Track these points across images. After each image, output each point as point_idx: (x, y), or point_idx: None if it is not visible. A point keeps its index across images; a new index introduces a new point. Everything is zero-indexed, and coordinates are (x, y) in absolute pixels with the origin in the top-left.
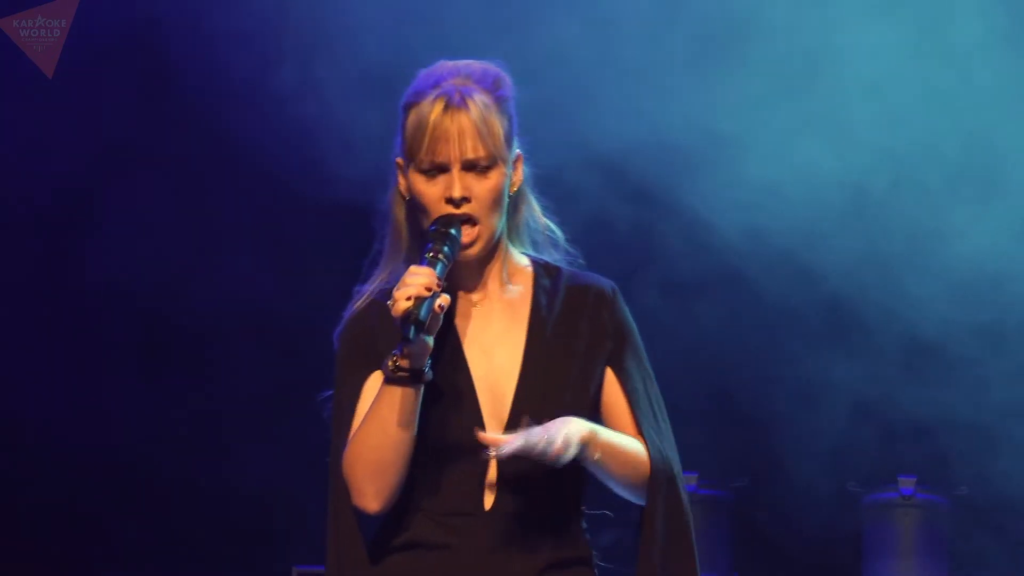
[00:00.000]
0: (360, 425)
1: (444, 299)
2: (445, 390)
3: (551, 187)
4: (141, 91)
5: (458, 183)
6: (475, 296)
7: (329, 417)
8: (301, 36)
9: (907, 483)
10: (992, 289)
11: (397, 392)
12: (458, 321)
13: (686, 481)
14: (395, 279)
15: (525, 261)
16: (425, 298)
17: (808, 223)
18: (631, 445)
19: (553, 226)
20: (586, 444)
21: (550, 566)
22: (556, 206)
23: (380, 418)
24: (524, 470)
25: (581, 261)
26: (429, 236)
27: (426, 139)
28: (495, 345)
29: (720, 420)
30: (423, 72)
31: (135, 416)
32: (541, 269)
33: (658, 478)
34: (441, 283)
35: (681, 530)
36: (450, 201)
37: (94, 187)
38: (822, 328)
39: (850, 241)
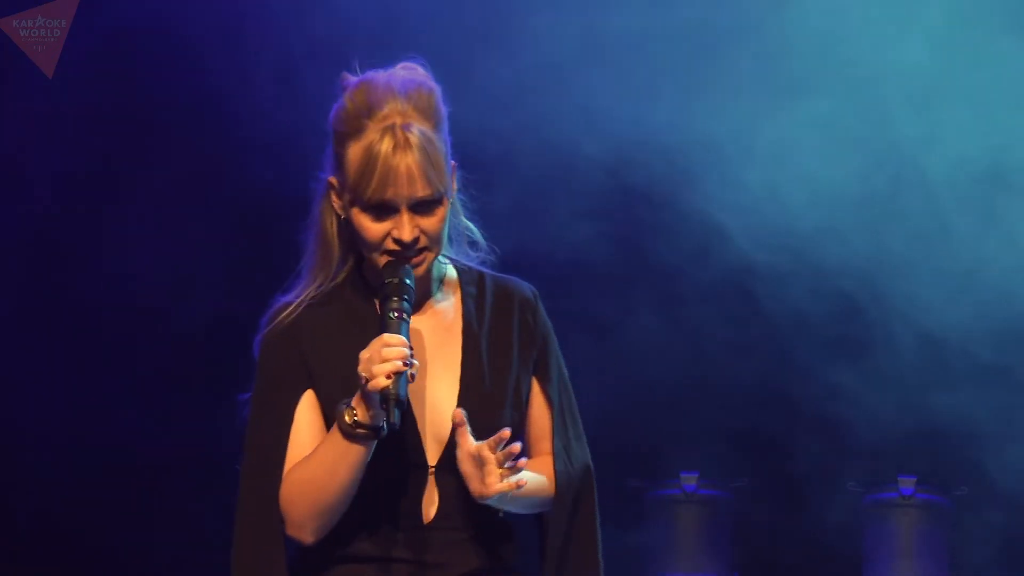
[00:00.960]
0: (305, 466)
1: (415, 366)
2: None
3: (558, 188)
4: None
5: (407, 225)
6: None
7: (243, 424)
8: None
9: (907, 483)
10: (996, 289)
11: (353, 448)
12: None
13: (686, 481)
14: (327, 293)
15: (449, 267)
16: (403, 373)
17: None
18: (540, 477)
19: (472, 226)
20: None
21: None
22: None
23: (330, 465)
24: (462, 483)
25: (494, 259)
26: (385, 290)
27: (374, 180)
28: (431, 361)
29: (720, 420)
30: (352, 88)
31: (135, 415)
32: (465, 275)
33: (563, 499)
34: (411, 349)
35: (587, 542)
36: (399, 243)
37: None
38: (821, 327)
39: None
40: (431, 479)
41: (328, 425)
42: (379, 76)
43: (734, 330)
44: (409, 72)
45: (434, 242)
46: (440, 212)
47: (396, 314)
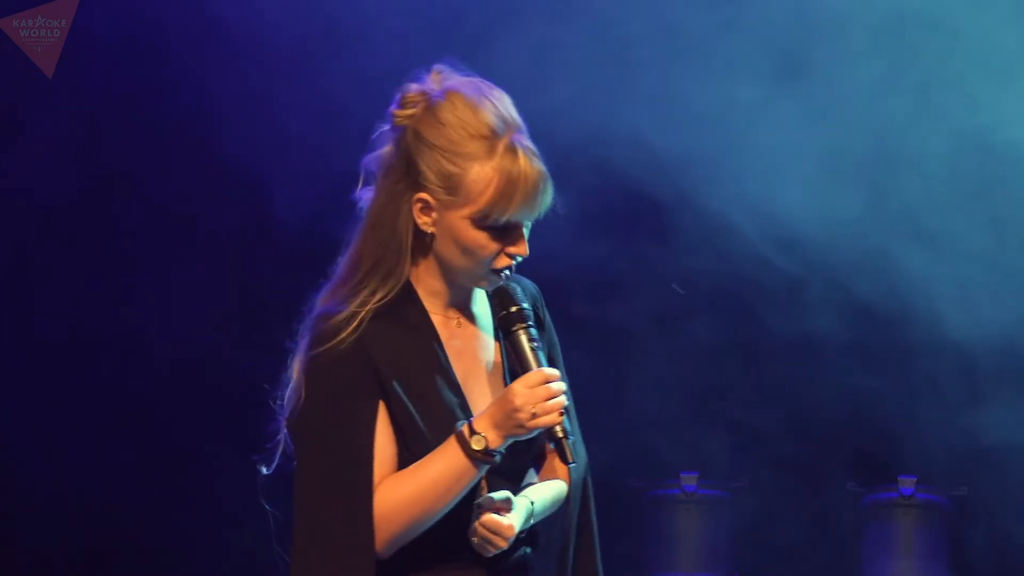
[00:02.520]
0: (408, 484)
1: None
2: (446, 413)
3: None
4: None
5: (525, 243)
6: (453, 313)
7: (291, 421)
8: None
9: (907, 483)
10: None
11: (472, 471)
12: (444, 341)
13: (686, 481)
14: (390, 302)
15: None
16: (565, 407)
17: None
18: (555, 485)
19: None
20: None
21: None
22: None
23: (444, 486)
24: (515, 488)
25: None
26: (511, 319)
27: (516, 203)
28: (478, 367)
29: (720, 419)
30: (444, 101)
31: (138, 415)
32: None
33: (573, 495)
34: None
35: (589, 536)
36: (515, 258)
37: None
38: (818, 325)
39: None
40: (484, 485)
41: (402, 438)
42: (465, 87)
43: (734, 330)
44: (482, 82)
45: None
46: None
47: (534, 344)
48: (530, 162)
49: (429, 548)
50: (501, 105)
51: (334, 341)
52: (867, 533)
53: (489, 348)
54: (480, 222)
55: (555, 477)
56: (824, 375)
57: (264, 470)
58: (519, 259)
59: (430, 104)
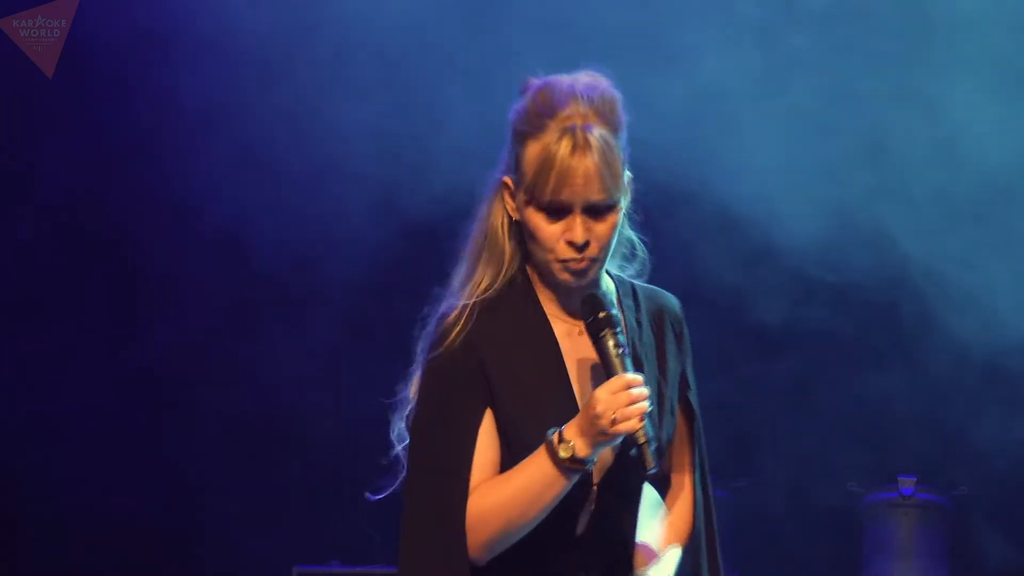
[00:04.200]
0: (501, 489)
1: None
2: (556, 421)
3: None
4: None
5: (580, 227)
6: (580, 325)
7: (406, 426)
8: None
9: (907, 483)
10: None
11: (561, 479)
12: (564, 348)
13: None
14: (494, 296)
15: (606, 279)
16: (648, 413)
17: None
18: (686, 517)
19: (635, 238)
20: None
21: None
22: None
23: (535, 493)
24: (624, 501)
25: (647, 271)
26: (599, 324)
27: (552, 180)
28: (595, 376)
29: (720, 419)
30: (535, 89)
31: (136, 413)
32: (621, 287)
33: (696, 533)
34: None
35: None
36: (571, 244)
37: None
38: (816, 323)
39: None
40: (593, 497)
41: (507, 442)
42: (562, 79)
43: (734, 330)
44: (592, 78)
45: (602, 246)
46: (612, 219)
47: (621, 349)
48: (574, 142)
49: (530, 564)
50: (586, 96)
51: (446, 342)
52: (867, 533)
53: None
54: (533, 202)
55: (681, 499)
56: (825, 374)
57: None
58: (581, 247)
59: (525, 94)
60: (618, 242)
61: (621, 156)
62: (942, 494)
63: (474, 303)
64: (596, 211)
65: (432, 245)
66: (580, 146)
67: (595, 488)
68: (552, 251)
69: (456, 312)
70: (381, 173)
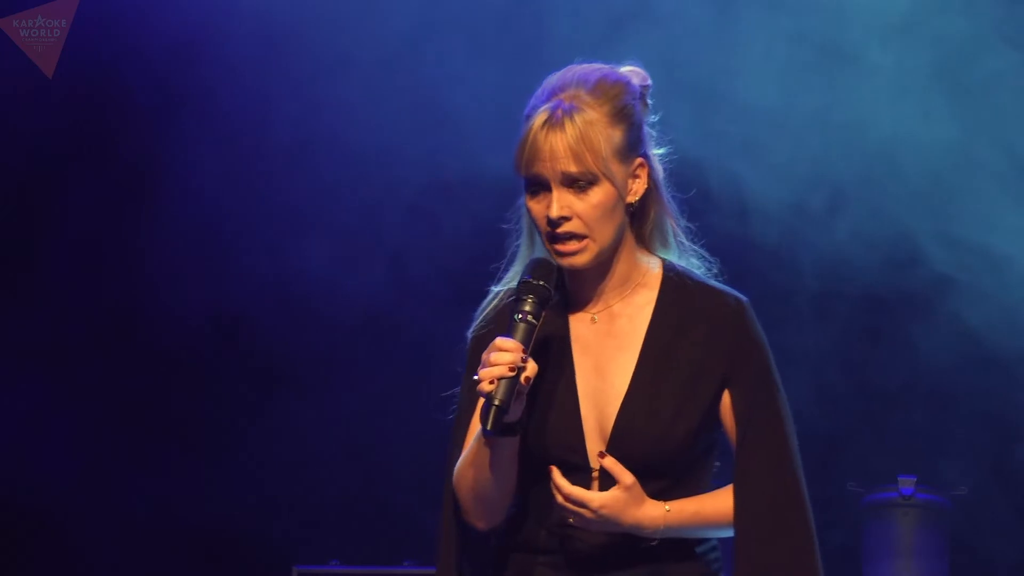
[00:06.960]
0: (463, 456)
1: (531, 369)
2: (552, 406)
3: None
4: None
5: (556, 202)
6: (594, 307)
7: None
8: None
9: (907, 483)
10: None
11: (484, 446)
12: (574, 334)
13: None
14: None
15: (656, 268)
16: (508, 378)
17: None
18: (714, 509)
19: (679, 230)
20: (644, 527)
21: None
22: None
23: (478, 460)
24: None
25: (715, 270)
26: (518, 289)
27: (524, 155)
28: (609, 361)
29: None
30: (553, 76)
31: (132, 412)
32: (671, 277)
33: (744, 529)
34: (527, 354)
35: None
36: (549, 221)
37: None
38: (815, 324)
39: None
40: (595, 483)
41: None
42: (577, 66)
43: None
44: (611, 67)
45: (588, 222)
46: (595, 193)
47: (521, 316)
48: (549, 118)
49: (526, 535)
50: (583, 80)
51: (473, 327)
52: (867, 533)
53: (628, 342)
54: (522, 182)
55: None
56: (825, 373)
57: None
58: (558, 222)
59: None
60: (664, 230)
61: (614, 135)
62: (942, 494)
63: (506, 290)
64: (576, 186)
65: None
66: (555, 121)
67: (595, 473)
68: (542, 232)
69: (488, 299)
70: None
